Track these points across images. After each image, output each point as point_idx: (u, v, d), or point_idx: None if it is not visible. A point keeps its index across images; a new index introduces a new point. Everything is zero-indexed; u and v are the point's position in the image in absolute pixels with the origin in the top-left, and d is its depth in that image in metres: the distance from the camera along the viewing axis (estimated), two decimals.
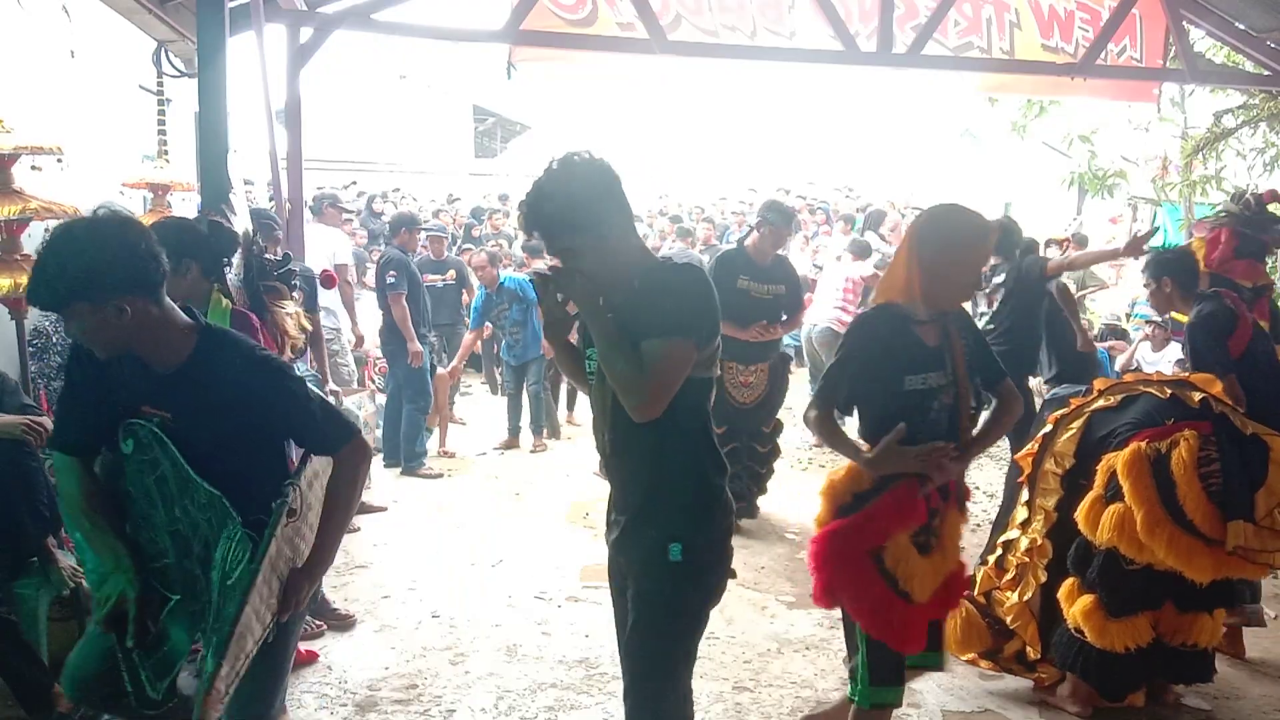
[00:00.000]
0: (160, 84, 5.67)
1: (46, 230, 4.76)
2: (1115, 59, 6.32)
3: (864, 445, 2.57)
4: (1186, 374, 3.53)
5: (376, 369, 8.69)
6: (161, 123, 5.87)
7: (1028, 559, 3.46)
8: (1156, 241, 5.06)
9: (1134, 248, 4.82)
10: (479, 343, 8.22)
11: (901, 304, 2.56)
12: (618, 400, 2.17)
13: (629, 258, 2.23)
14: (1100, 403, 3.45)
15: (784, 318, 5.48)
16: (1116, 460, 3.20)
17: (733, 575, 2.37)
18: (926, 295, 2.53)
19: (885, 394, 2.53)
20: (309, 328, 5.44)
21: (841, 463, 2.65)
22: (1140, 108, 9.14)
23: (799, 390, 9.19)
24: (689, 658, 2.35)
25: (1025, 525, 3.51)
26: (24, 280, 4.19)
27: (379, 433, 6.80)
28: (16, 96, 4.93)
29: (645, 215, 14.09)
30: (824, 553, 2.55)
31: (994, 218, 5.47)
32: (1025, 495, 3.59)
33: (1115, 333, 8.14)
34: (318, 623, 4.05)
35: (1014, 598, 3.50)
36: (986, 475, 6.72)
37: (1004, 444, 6.42)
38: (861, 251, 8.30)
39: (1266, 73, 6.57)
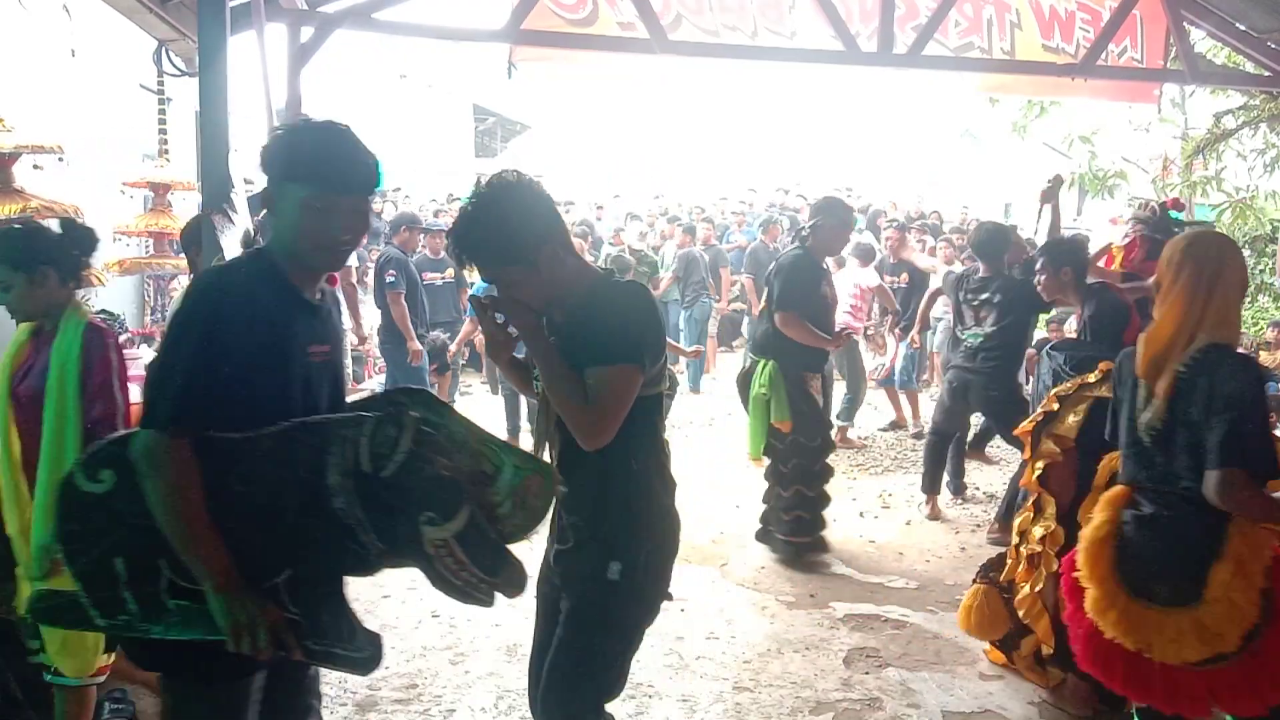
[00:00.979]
0: (161, 83, 5.67)
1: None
2: (1116, 60, 6.31)
3: None
4: None
5: (377, 368, 8.71)
6: (162, 122, 5.87)
7: (1040, 547, 3.45)
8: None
9: (1049, 195, 5.09)
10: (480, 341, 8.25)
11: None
12: (562, 419, 2.13)
13: (566, 278, 2.15)
14: (1103, 390, 3.43)
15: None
16: (1118, 460, 3.20)
17: (669, 598, 2.31)
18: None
19: None
20: None
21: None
22: (1141, 108, 9.15)
23: None
24: (615, 681, 2.31)
25: (1038, 513, 3.51)
26: None
27: None
28: (17, 95, 4.93)
29: (646, 215, 14.08)
30: None
31: (986, 221, 5.51)
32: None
33: None
34: None
35: (1027, 589, 3.50)
36: (986, 476, 6.72)
37: (1002, 445, 6.44)
38: (865, 256, 8.28)
39: (1267, 74, 6.57)
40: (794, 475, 4.94)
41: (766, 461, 5.05)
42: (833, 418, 7.72)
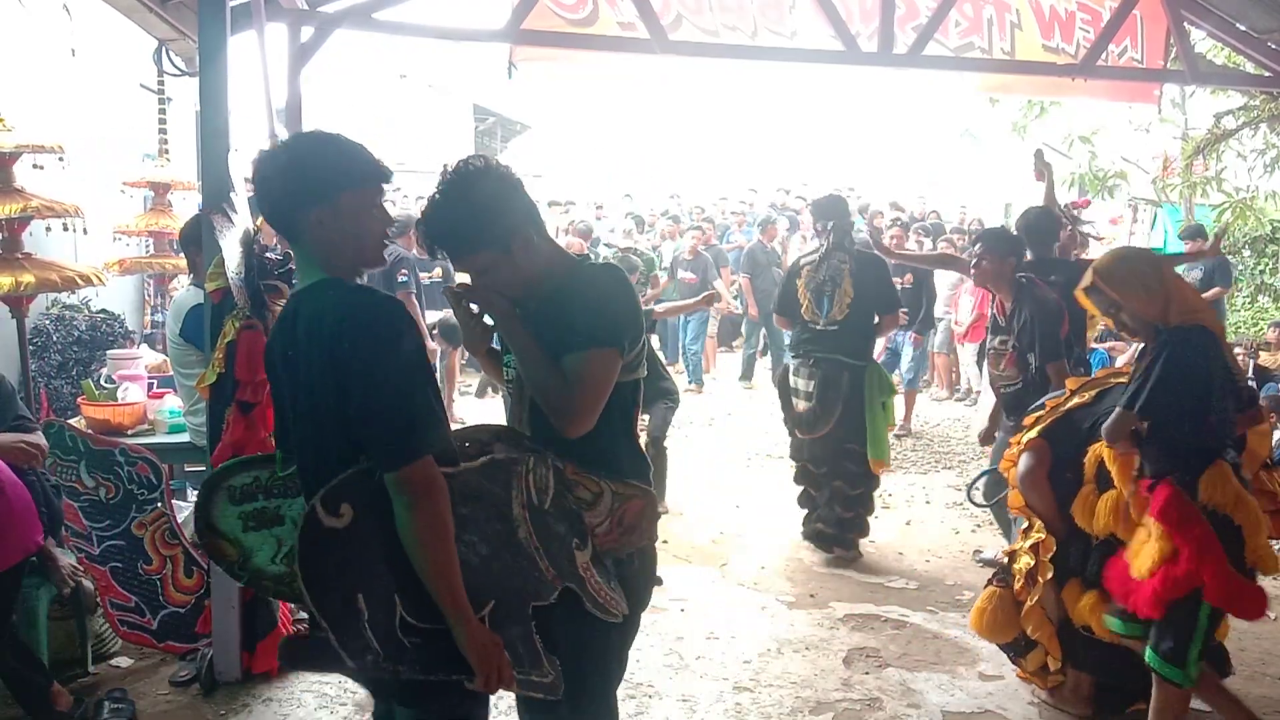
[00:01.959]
0: (161, 83, 5.67)
1: (48, 229, 4.78)
2: (1116, 60, 6.31)
3: None
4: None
5: None
6: (162, 121, 5.87)
7: (1033, 559, 3.44)
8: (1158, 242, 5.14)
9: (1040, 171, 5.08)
10: None
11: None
12: (537, 406, 2.10)
13: (541, 263, 2.11)
14: (1075, 400, 3.48)
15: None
16: (1102, 449, 3.23)
17: (659, 582, 2.30)
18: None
19: None
20: None
21: None
22: (1141, 109, 9.16)
23: None
24: (619, 670, 2.30)
25: (1026, 531, 3.50)
26: (25, 278, 4.21)
27: None
28: (18, 95, 4.93)
29: (647, 216, 14.09)
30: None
31: (1034, 206, 5.41)
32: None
33: (1115, 333, 8.14)
34: None
35: (1029, 602, 3.48)
36: None
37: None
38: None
39: (1267, 74, 6.56)
40: (836, 475, 5.02)
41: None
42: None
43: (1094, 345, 7.64)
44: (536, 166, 20.70)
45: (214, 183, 3.52)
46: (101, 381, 4.42)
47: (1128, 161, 11.05)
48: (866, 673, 3.80)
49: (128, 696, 3.38)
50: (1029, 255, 5.00)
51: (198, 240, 3.66)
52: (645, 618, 4.19)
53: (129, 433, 4.19)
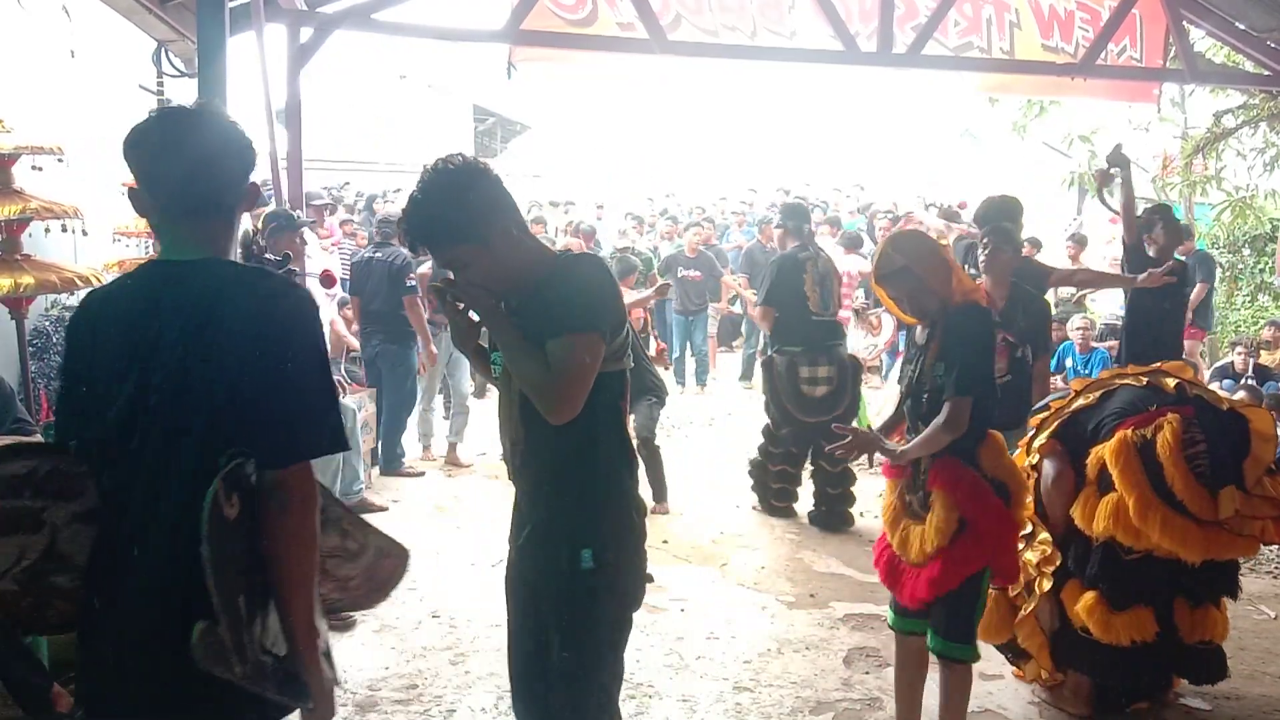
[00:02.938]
0: (160, 84, 5.67)
1: (47, 230, 4.78)
2: (1115, 59, 6.32)
3: None
4: (1160, 364, 3.60)
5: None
6: None
7: (1035, 572, 3.44)
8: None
9: (1156, 280, 4.88)
10: None
11: None
12: (527, 401, 2.11)
13: (522, 257, 2.14)
14: (1080, 402, 3.49)
15: None
16: (1104, 451, 3.23)
17: (650, 579, 2.29)
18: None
19: None
20: None
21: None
22: (1140, 108, 9.14)
23: None
24: (616, 671, 2.28)
25: (1030, 538, 3.49)
26: (25, 280, 4.20)
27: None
28: (17, 96, 4.93)
29: (647, 216, 14.09)
30: None
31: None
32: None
33: (1115, 333, 8.14)
34: None
35: (1024, 611, 3.48)
36: None
37: None
38: (851, 243, 8.30)
39: (1266, 73, 6.57)
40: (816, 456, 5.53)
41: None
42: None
43: (1094, 345, 7.64)
44: (536, 166, 20.70)
45: None
46: None
47: None
48: (866, 673, 3.80)
49: None
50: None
51: None
52: (645, 618, 4.22)
53: None
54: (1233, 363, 7.51)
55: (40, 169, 4.59)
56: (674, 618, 4.30)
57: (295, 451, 1.66)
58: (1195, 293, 7.84)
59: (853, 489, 5.58)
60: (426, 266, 7.77)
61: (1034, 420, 3.61)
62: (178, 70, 5.51)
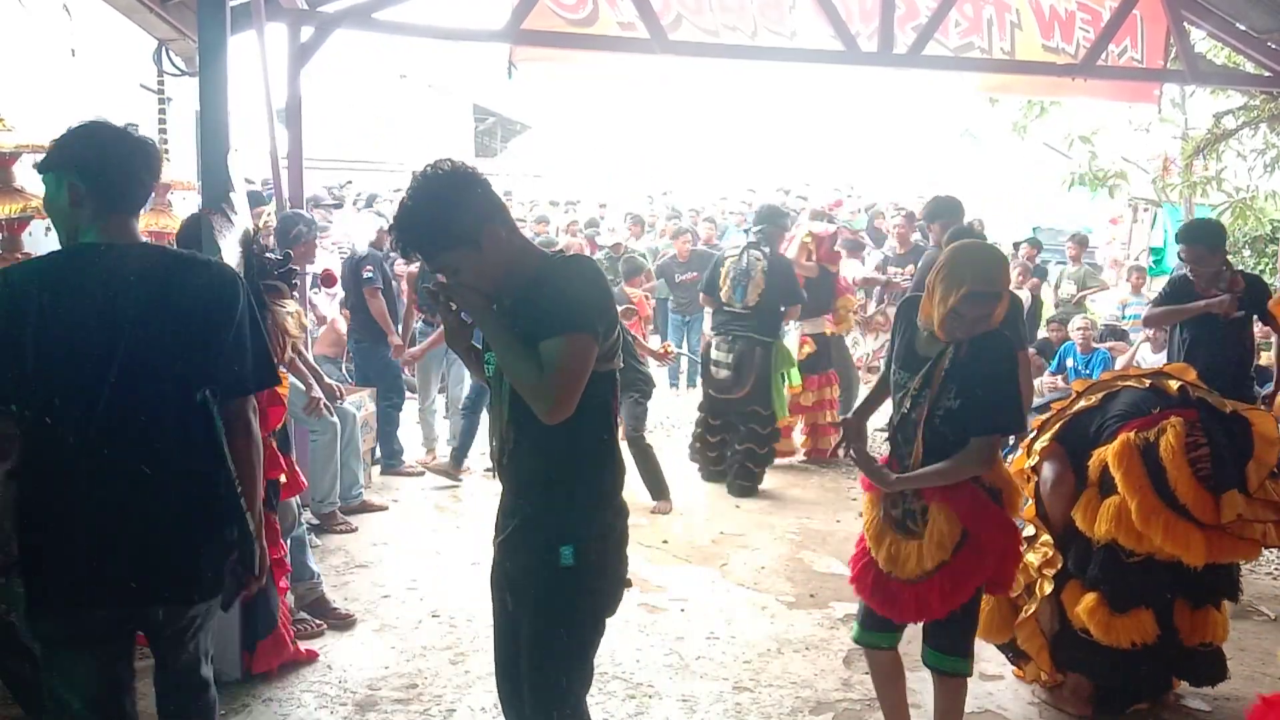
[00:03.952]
0: (161, 83, 5.67)
1: (47, 230, 4.78)
2: (1116, 60, 6.31)
3: None
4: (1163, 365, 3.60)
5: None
6: (162, 121, 5.87)
7: (1036, 574, 3.44)
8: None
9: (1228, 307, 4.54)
10: None
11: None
12: (517, 401, 2.13)
13: (514, 257, 2.16)
14: (1082, 403, 3.48)
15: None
16: (1107, 453, 3.23)
17: (629, 585, 2.29)
18: (937, 321, 2.72)
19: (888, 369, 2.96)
20: (309, 326, 5.45)
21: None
22: (1141, 109, 9.14)
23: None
24: (585, 674, 2.28)
25: (1032, 540, 3.49)
26: None
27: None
28: (18, 95, 4.93)
29: (648, 216, 14.08)
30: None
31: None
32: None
33: (1115, 334, 8.14)
34: (318, 622, 4.05)
35: (1024, 613, 3.47)
36: None
37: None
38: (853, 247, 8.29)
39: (1267, 74, 6.57)
40: (747, 435, 6.17)
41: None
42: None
43: (1095, 345, 7.64)
44: (537, 166, 20.71)
45: (214, 183, 3.52)
46: None
47: (1128, 161, 11.03)
48: (866, 673, 3.77)
49: None
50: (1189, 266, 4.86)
51: (196, 240, 3.65)
52: (645, 618, 4.22)
53: None
54: None
55: None
56: (674, 618, 4.30)
57: (244, 387, 2.27)
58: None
59: (767, 467, 6.28)
60: (413, 266, 7.80)
61: (1035, 422, 3.61)
62: (178, 69, 5.50)
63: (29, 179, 4.51)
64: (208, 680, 2.40)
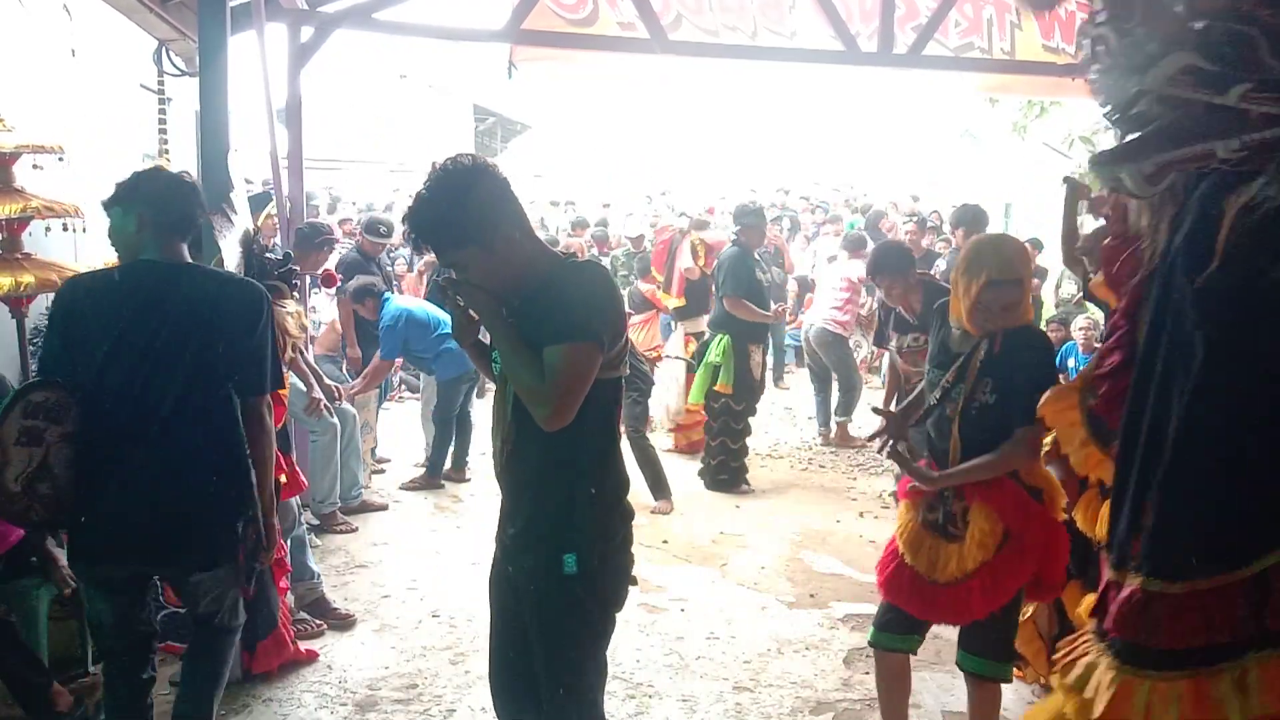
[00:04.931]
0: (161, 83, 5.66)
1: (47, 230, 4.79)
2: None
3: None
4: None
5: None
6: (162, 121, 5.87)
7: None
8: None
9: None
10: None
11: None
12: (519, 403, 2.12)
13: (525, 260, 2.16)
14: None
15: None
16: (1108, 453, 3.21)
17: (634, 583, 2.30)
18: (965, 315, 2.75)
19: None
20: (309, 327, 5.45)
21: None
22: None
23: (802, 389, 9.20)
24: (599, 670, 2.29)
25: None
26: (25, 279, 4.20)
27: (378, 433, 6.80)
28: (18, 95, 4.93)
29: (650, 217, 14.08)
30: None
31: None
32: None
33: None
34: (318, 622, 4.06)
35: (1023, 615, 3.47)
36: None
37: None
38: (855, 247, 8.28)
39: None
40: (720, 430, 6.27)
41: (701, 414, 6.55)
42: (831, 413, 7.76)
43: (1097, 345, 7.63)
44: (536, 166, 20.70)
45: (214, 183, 3.52)
46: None
47: None
48: (866, 673, 3.79)
49: None
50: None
51: (198, 239, 3.65)
52: (645, 618, 4.22)
53: None
54: None
55: (41, 168, 4.58)
56: (674, 618, 4.30)
57: (261, 387, 2.75)
58: None
59: (740, 461, 6.39)
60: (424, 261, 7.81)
61: None
62: (178, 69, 5.50)
63: (29, 179, 4.51)
64: (224, 628, 2.81)
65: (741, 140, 21.99)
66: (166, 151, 5.90)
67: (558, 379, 2.03)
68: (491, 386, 2.42)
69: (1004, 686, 3.67)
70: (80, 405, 2.57)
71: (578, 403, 2.06)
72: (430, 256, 7.85)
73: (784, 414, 8.86)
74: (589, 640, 2.23)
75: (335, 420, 5.17)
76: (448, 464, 6.43)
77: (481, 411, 7.71)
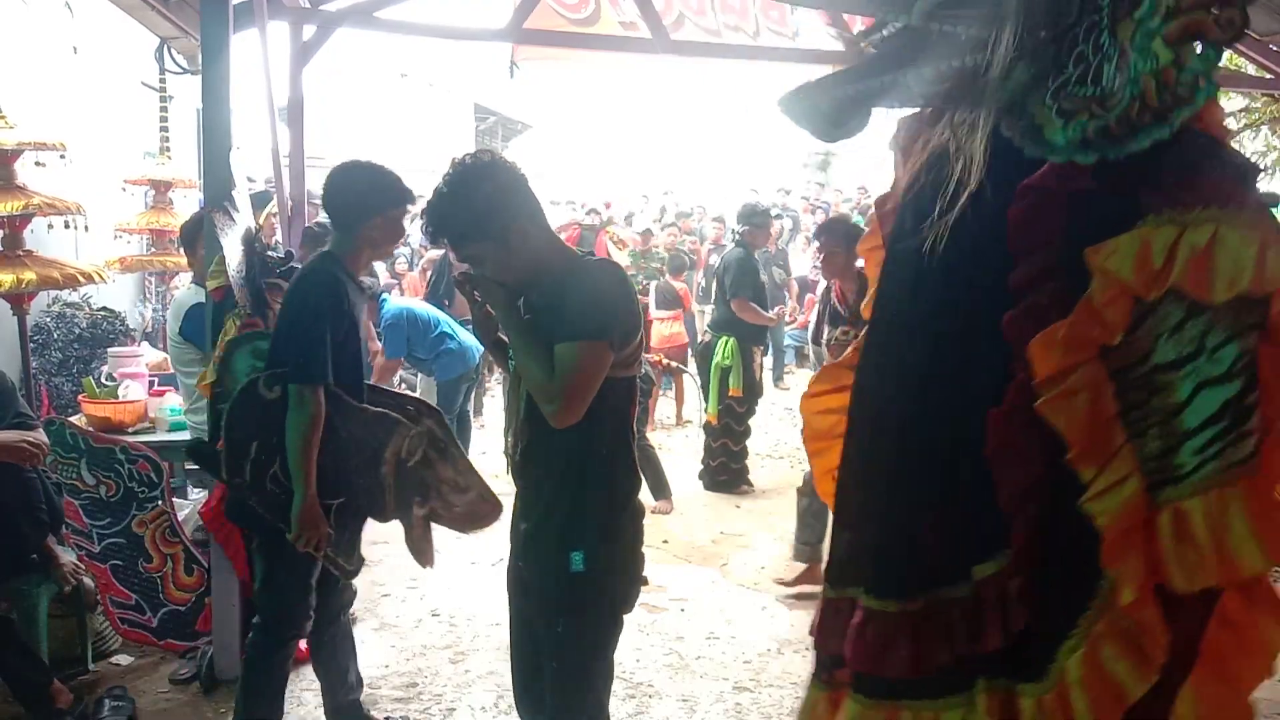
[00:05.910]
0: (163, 80, 5.67)
1: (49, 227, 4.79)
2: None
3: None
4: None
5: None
6: (164, 119, 5.87)
7: None
8: None
9: None
10: None
11: None
12: (533, 401, 2.13)
13: (542, 258, 2.16)
14: None
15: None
16: None
17: (645, 583, 2.29)
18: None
19: None
20: None
21: None
22: None
23: (802, 390, 9.18)
24: (605, 671, 2.28)
25: None
26: (27, 276, 4.20)
27: None
28: (20, 92, 4.93)
29: (651, 217, 14.08)
30: None
31: None
32: None
33: None
34: None
35: None
36: None
37: None
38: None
39: (1269, 76, 6.57)
40: (722, 430, 6.30)
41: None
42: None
43: None
44: (537, 166, 20.69)
45: (215, 181, 3.52)
46: (102, 379, 4.41)
47: None
48: None
49: (128, 694, 3.38)
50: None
51: (198, 238, 3.65)
52: (645, 618, 4.22)
53: (130, 430, 4.19)
54: None
55: (43, 165, 4.59)
56: (674, 618, 4.30)
57: (296, 375, 2.71)
58: None
59: (741, 462, 6.42)
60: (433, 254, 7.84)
61: None
62: (180, 67, 5.50)
63: (31, 176, 4.51)
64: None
65: (741, 140, 21.99)
66: (168, 149, 5.90)
67: (566, 376, 2.04)
68: (496, 385, 2.43)
69: None
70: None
71: (586, 401, 2.07)
72: (432, 255, 7.86)
73: (784, 414, 8.86)
74: (597, 638, 2.23)
75: None
76: None
77: (493, 411, 7.73)
